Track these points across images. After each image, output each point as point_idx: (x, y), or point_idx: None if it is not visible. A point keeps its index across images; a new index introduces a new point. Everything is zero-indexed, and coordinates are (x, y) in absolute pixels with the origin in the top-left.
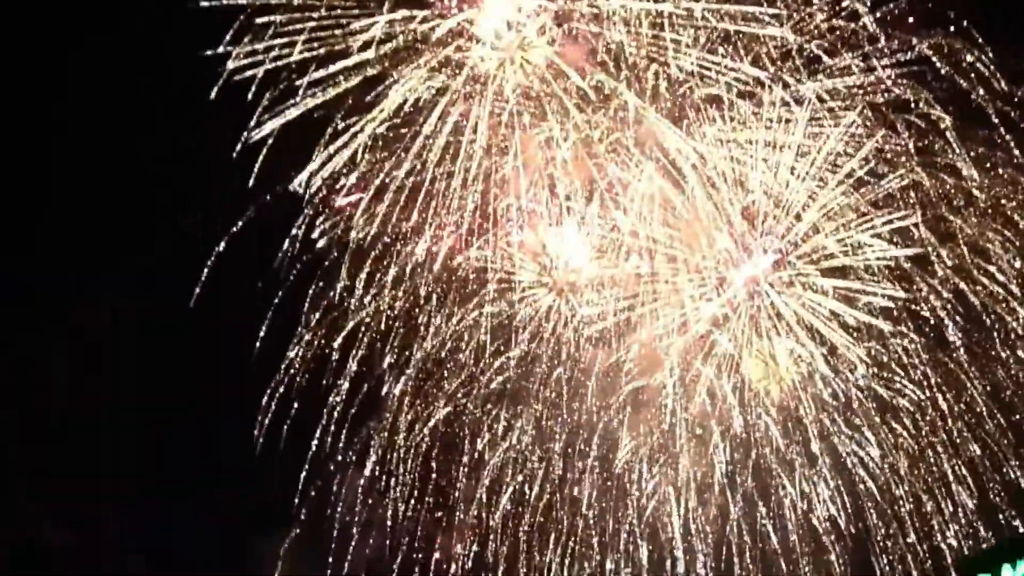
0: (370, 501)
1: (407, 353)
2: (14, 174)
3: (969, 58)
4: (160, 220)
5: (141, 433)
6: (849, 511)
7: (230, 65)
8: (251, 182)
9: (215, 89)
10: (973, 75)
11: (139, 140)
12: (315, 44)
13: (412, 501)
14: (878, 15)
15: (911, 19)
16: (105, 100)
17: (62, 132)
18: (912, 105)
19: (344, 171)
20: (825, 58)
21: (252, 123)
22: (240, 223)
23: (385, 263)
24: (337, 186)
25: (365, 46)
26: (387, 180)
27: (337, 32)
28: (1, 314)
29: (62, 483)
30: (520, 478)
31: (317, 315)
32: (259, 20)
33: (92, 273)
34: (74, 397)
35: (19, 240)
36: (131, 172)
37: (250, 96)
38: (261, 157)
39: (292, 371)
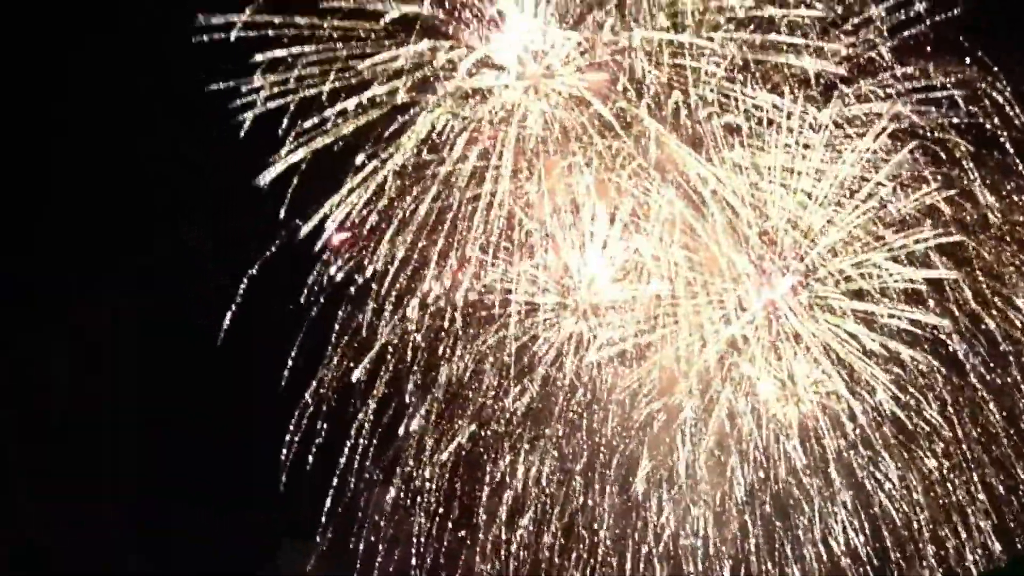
0: (396, 518)
1: (433, 374)
2: (14, 174)
3: (983, 86)
4: (161, 221)
5: (141, 433)
6: (867, 533)
7: (261, 94)
8: (281, 213)
9: (244, 123)
10: (987, 102)
11: (140, 141)
12: (344, 75)
13: (437, 518)
14: (897, 41)
15: (928, 48)
16: (106, 101)
17: (62, 132)
18: (928, 132)
19: (374, 199)
20: (842, 86)
21: (284, 150)
22: (273, 248)
23: (412, 286)
24: (349, 222)
25: (395, 75)
26: (411, 210)
27: (361, 64)
28: (1, 314)
29: (62, 483)
30: (542, 498)
31: (346, 338)
32: (281, 52)
33: (92, 273)
34: (74, 397)
35: (19, 240)
36: (132, 172)
37: (281, 122)
38: (292, 185)
39: (321, 391)
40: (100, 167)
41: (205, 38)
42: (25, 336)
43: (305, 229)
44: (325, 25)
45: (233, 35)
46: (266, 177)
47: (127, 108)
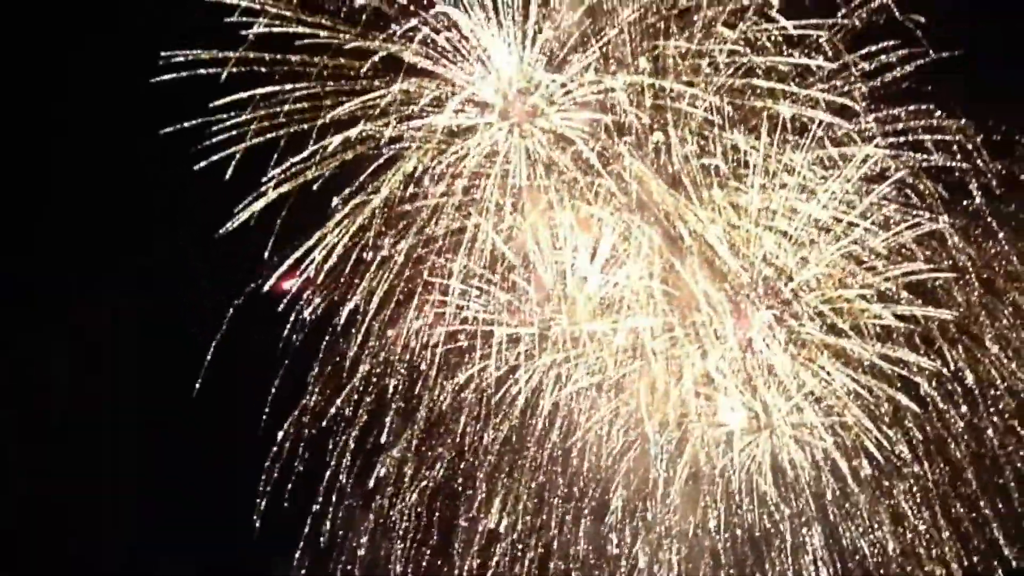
0: (374, 543)
1: (414, 402)
2: (14, 174)
3: (953, 133)
4: (159, 222)
5: (141, 434)
6: (838, 567)
7: (252, 127)
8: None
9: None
10: (955, 148)
11: (140, 140)
12: (331, 111)
13: (414, 545)
14: (877, 83)
15: (902, 94)
16: (106, 101)
17: (62, 132)
18: (898, 172)
19: (360, 233)
20: (818, 130)
21: (270, 184)
22: (253, 285)
23: (395, 317)
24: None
25: (381, 113)
26: (394, 244)
27: (347, 101)
28: (1, 314)
29: (62, 483)
30: (518, 526)
31: (329, 367)
32: (270, 88)
33: (92, 273)
34: (74, 397)
35: (19, 240)
36: (132, 172)
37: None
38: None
39: (304, 419)
40: (100, 167)
41: (203, 71)
42: (25, 336)
43: (286, 264)
44: (316, 60)
45: (224, 73)
46: (247, 212)
47: (127, 109)
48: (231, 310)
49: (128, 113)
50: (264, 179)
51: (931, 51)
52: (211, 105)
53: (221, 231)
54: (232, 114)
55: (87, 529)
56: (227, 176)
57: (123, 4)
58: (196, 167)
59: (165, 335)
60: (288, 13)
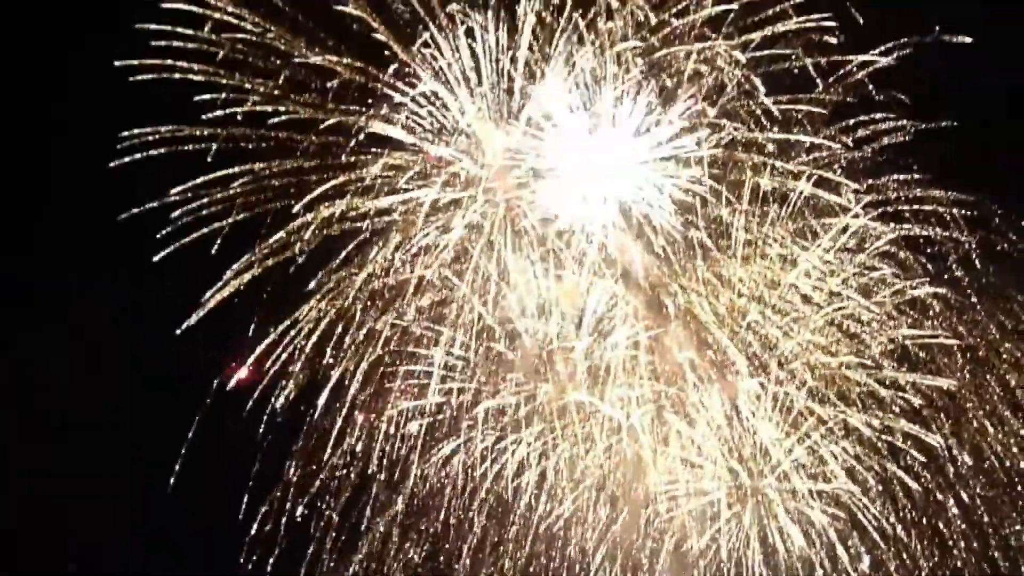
0: None
1: (398, 477)
2: (14, 174)
3: (933, 204)
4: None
5: (141, 434)
6: None
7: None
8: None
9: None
10: (934, 218)
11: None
12: (316, 185)
13: None
14: (857, 156)
15: (883, 165)
16: (105, 100)
17: (62, 132)
18: (878, 241)
19: (354, 305)
20: (799, 202)
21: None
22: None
23: (380, 391)
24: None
25: (366, 190)
26: (378, 318)
27: (336, 179)
28: (1, 314)
29: (62, 483)
30: None
31: (312, 442)
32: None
33: (92, 273)
34: (74, 397)
35: (19, 240)
36: (132, 172)
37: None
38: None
39: (288, 493)
40: (101, 168)
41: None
42: (25, 336)
43: (253, 356)
44: (299, 137)
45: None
46: (225, 291)
47: (128, 109)
48: (213, 386)
49: (129, 113)
50: (245, 256)
51: (911, 124)
52: (193, 183)
53: (188, 321)
54: (216, 189)
55: (87, 529)
56: (213, 250)
57: (123, 7)
58: (171, 248)
59: (165, 335)
60: (277, 92)
